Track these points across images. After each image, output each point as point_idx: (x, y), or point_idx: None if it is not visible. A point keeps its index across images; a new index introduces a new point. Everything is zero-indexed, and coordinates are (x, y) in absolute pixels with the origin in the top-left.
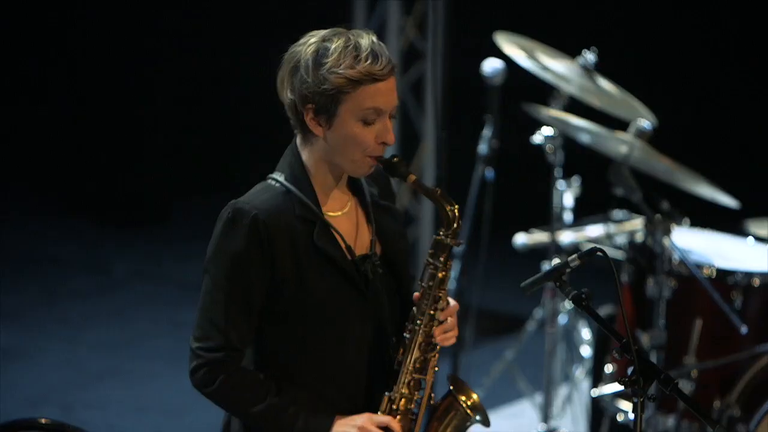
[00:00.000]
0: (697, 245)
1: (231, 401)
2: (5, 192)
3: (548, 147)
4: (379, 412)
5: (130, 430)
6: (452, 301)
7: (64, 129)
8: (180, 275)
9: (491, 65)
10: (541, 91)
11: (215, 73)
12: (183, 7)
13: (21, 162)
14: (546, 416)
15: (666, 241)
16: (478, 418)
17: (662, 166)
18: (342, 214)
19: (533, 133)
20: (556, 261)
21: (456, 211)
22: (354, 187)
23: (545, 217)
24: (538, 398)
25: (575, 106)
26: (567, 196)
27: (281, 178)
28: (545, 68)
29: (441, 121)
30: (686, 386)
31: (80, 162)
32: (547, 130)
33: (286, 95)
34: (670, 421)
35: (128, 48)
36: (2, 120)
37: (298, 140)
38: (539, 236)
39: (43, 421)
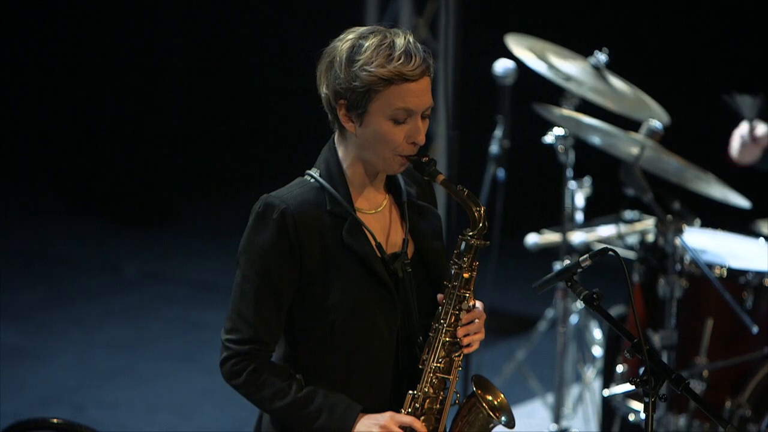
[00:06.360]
0: (708, 245)
1: (256, 394)
2: (17, 192)
3: (559, 147)
4: (402, 411)
5: (141, 430)
6: (479, 305)
7: (76, 129)
8: (191, 275)
9: (503, 65)
10: (553, 91)
11: (227, 74)
12: (193, 6)
13: (32, 162)
14: (557, 416)
15: (677, 241)
16: (503, 419)
17: (674, 166)
18: (375, 212)
19: (544, 133)
20: (567, 261)
21: (482, 212)
22: (391, 186)
23: (556, 217)
24: (550, 398)
25: (587, 107)
26: (578, 196)
27: (316, 174)
28: (556, 70)
29: (452, 121)
30: (697, 386)
31: (91, 162)
32: (558, 130)
33: (322, 90)
34: (681, 421)
35: (140, 48)
36: (14, 120)
37: (336, 137)
38: (550, 236)
39: (54, 420)
